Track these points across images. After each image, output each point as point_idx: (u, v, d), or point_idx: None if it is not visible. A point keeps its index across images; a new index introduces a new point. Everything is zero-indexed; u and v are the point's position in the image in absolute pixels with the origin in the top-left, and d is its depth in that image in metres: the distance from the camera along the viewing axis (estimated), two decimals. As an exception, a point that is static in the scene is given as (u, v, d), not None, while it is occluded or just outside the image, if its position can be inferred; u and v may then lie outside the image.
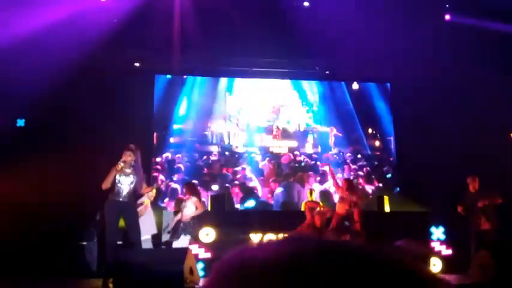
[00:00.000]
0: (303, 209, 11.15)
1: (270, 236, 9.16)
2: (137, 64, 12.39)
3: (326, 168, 12.27)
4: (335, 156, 13.59)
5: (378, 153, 13.78)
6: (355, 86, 13.90)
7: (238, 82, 13.73)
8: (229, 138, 13.38)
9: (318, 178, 12.95)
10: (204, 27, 11.11)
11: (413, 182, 11.80)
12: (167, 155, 12.83)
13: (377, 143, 13.79)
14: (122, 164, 7.04)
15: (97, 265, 8.90)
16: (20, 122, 11.35)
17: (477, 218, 8.96)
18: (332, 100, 13.93)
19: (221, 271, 0.59)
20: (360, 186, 12.81)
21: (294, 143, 13.62)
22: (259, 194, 12.68)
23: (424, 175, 11.46)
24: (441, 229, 10.25)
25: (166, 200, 11.84)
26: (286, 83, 13.99)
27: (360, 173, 13.29)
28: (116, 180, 7.07)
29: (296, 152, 13.48)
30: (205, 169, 12.85)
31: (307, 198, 11.16)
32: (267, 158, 13.28)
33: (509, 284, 5.53)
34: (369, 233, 8.84)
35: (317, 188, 12.43)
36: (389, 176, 13.36)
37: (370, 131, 13.84)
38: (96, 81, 11.18)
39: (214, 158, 13.13)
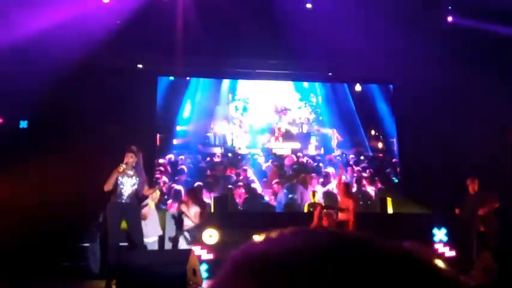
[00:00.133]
0: (306, 210, 11.15)
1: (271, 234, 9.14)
2: (140, 66, 12.40)
3: (330, 169, 12.25)
4: (338, 157, 13.58)
5: (381, 154, 13.77)
6: (357, 87, 13.89)
7: (241, 84, 13.74)
8: (232, 140, 13.38)
9: (321, 180, 12.94)
10: (207, 29, 11.12)
11: (416, 184, 11.79)
12: (170, 156, 12.84)
13: (380, 145, 13.78)
14: (123, 166, 7.04)
15: (100, 267, 8.90)
16: (23, 124, 11.35)
17: (477, 221, 8.99)
18: (335, 102, 13.92)
19: (227, 266, 0.58)
20: (363, 188, 12.80)
21: (297, 145, 13.62)
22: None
23: (426, 176, 11.46)
24: (443, 231, 10.25)
25: (169, 201, 11.84)
26: (289, 85, 13.99)
27: (363, 174, 13.27)
28: (118, 182, 7.07)
29: (299, 154, 13.48)
30: (208, 171, 12.85)
31: (310, 200, 11.18)
32: (270, 160, 13.28)
33: (513, 286, 5.51)
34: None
35: (320, 189, 12.43)
36: (392, 177, 13.35)
37: (372, 132, 13.83)
38: (99, 82, 11.18)
39: (217, 160, 13.13)
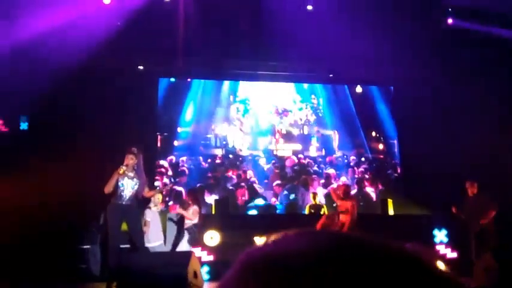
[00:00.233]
0: (307, 212, 11.15)
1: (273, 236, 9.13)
2: (141, 67, 12.39)
3: (331, 171, 12.25)
4: (339, 159, 13.59)
5: (381, 156, 13.78)
6: (358, 89, 13.89)
7: (242, 85, 13.74)
8: (233, 141, 13.38)
9: (322, 181, 12.94)
10: (208, 31, 11.12)
11: (416, 185, 11.79)
12: (171, 158, 12.84)
13: (380, 146, 13.78)
14: (124, 168, 7.04)
15: (100, 269, 8.89)
16: (24, 126, 11.35)
17: (476, 223, 9.06)
18: (336, 103, 13.94)
19: (232, 268, 0.59)
20: (364, 189, 12.79)
21: (298, 146, 13.63)
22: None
23: (427, 177, 11.45)
24: (444, 232, 10.25)
25: (170, 203, 11.83)
26: (290, 86, 14.00)
27: (365, 175, 13.27)
28: (119, 184, 7.07)
29: (300, 155, 13.49)
30: (210, 172, 12.85)
31: (311, 202, 11.18)
32: (272, 161, 13.28)
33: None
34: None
35: (321, 191, 12.42)
36: (392, 178, 13.34)
37: (373, 134, 13.84)
38: (100, 83, 11.17)
39: (218, 161, 13.14)
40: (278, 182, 12.68)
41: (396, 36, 11.08)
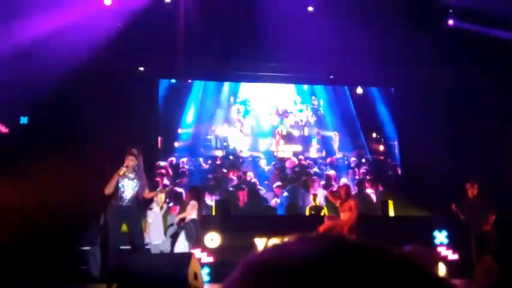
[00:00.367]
0: (307, 213, 11.14)
1: (275, 241, 9.13)
2: (141, 68, 12.39)
3: (331, 172, 12.23)
4: (339, 160, 13.58)
5: (382, 157, 13.77)
6: (359, 90, 13.88)
7: (243, 86, 13.74)
8: (233, 143, 13.38)
9: (323, 182, 12.92)
10: (209, 32, 11.11)
11: (417, 186, 11.78)
12: (172, 159, 12.83)
13: (381, 148, 13.78)
14: (124, 169, 7.03)
15: (100, 270, 8.89)
16: (24, 126, 11.33)
17: (476, 225, 9.07)
18: (336, 105, 13.93)
19: (235, 273, 0.61)
20: (365, 191, 12.77)
21: (298, 148, 13.62)
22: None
23: (427, 179, 11.45)
24: (444, 233, 10.25)
25: (171, 204, 11.81)
26: (291, 88, 14.00)
27: (366, 177, 13.26)
28: (119, 185, 7.06)
29: (300, 157, 13.48)
30: (210, 173, 12.84)
31: (312, 203, 11.16)
32: (272, 162, 13.27)
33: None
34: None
35: (321, 193, 12.40)
36: (393, 180, 13.33)
37: (374, 135, 13.83)
38: (100, 84, 11.17)
39: (218, 162, 13.13)
40: (278, 183, 12.65)
41: (397, 37, 11.08)
